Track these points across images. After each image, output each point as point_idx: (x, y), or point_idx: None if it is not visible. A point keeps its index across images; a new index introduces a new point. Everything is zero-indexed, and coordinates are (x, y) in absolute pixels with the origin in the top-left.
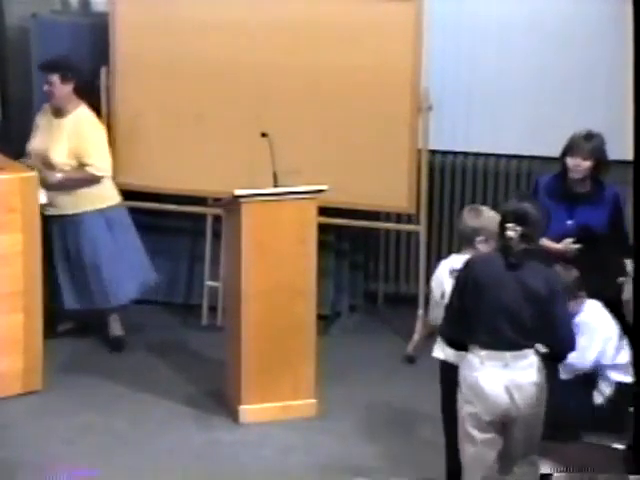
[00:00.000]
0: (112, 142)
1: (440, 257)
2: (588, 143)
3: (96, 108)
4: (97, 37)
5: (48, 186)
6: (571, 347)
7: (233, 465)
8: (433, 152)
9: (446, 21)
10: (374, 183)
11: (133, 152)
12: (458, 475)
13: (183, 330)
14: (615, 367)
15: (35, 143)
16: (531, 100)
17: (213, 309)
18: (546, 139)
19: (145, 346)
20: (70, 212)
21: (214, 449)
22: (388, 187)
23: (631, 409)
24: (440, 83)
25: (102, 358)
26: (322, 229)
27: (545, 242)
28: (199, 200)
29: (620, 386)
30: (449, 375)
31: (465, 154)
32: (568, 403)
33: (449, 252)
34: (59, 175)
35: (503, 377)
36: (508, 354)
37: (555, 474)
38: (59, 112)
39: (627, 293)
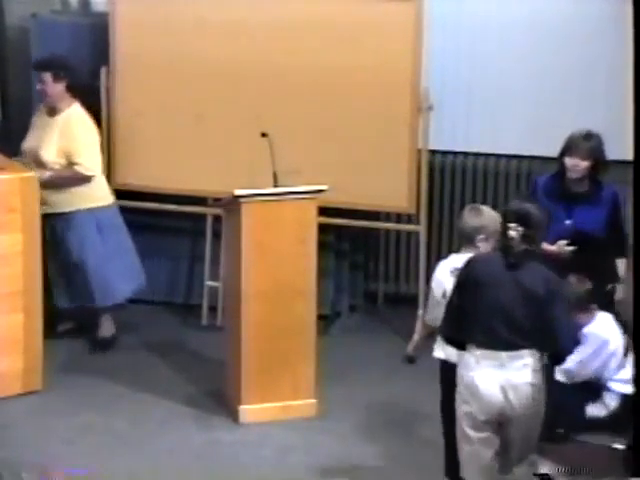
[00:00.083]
0: (112, 142)
1: (440, 257)
2: (586, 143)
3: (96, 108)
4: (97, 37)
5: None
6: (569, 350)
7: (233, 465)
8: (433, 152)
9: (446, 21)
10: (374, 183)
11: (133, 152)
12: (457, 474)
13: (183, 330)
14: (619, 380)
15: (28, 141)
16: (531, 100)
17: (213, 309)
18: (546, 139)
19: (145, 346)
20: (60, 210)
21: (214, 449)
22: (388, 187)
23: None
24: (440, 83)
25: (102, 358)
26: (322, 229)
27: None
28: (199, 200)
29: (625, 398)
30: (449, 375)
31: (465, 154)
32: (563, 406)
33: (449, 252)
34: (48, 173)
35: (498, 377)
36: (504, 354)
37: (555, 474)
38: (52, 111)
39: (621, 293)
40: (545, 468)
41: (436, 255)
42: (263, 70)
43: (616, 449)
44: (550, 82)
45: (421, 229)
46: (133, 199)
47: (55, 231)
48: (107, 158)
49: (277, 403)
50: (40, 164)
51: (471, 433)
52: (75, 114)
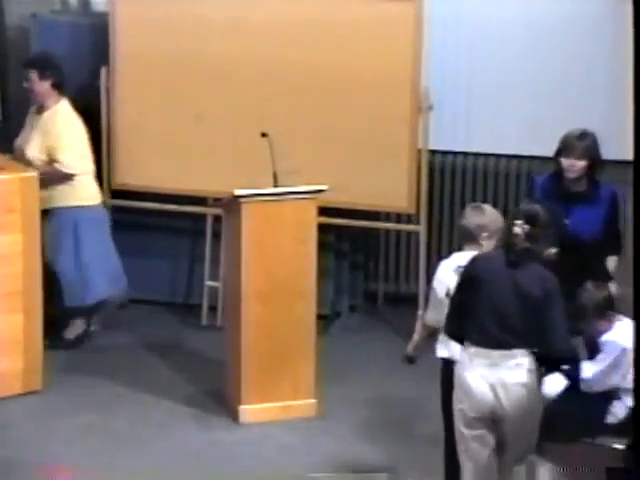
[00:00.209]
0: (112, 142)
1: (440, 257)
2: (581, 142)
3: (96, 108)
4: (97, 37)
5: None
6: (563, 353)
7: (233, 465)
8: (433, 152)
9: (446, 21)
10: (374, 183)
11: (133, 152)
12: (456, 474)
13: (183, 330)
14: (630, 391)
15: (18, 139)
16: (531, 100)
17: (213, 309)
18: (546, 139)
19: (145, 346)
20: (42, 207)
21: (214, 449)
22: (388, 187)
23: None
24: (440, 83)
25: (102, 358)
26: (322, 229)
27: None
28: (199, 200)
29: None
30: (449, 375)
31: (465, 154)
32: (582, 414)
33: (449, 252)
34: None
35: (489, 375)
36: (496, 353)
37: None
38: (40, 108)
39: (615, 288)
40: (545, 468)
41: (436, 255)
42: (263, 70)
43: (616, 449)
44: (550, 82)
45: (421, 229)
46: (133, 199)
47: None
48: (107, 158)
49: (277, 403)
50: (26, 161)
51: (465, 431)
52: (60, 111)
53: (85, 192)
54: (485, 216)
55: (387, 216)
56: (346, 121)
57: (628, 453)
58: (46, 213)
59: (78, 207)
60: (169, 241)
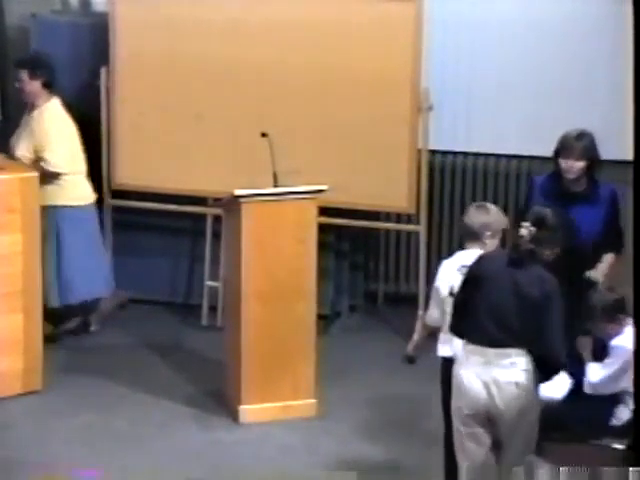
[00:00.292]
0: (112, 142)
1: (440, 257)
2: (579, 143)
3: (96, 108)
4: (97, 37)
5: None
6: (557, 358)
7: (233, 465)
8: (433, 152)
9: (446, 21)
10: (374, 183)
11: (133, 152)
12: (456, 472)
13: (183, 330)
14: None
15: (13, 138)
16: (531, 100)
17: (213, 309)
18: (546, 139)
19: (145, 346)
20: None
21: (214, 449)
22: (388, 187)
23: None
24: (440, 83)
25: (102, 358)
26: (322, 229)
27: None
28: (199, 200)
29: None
30: (450, 373)
31: (465, 154)
32: (583, 414)
33: (449, 252)
34: None
35: (483, 374)
36: (491, 351)
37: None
38: (31, 107)
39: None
40: (545, 468)
41: (436, 255)
42: (263, 70)
43: (616, 449)
44: (550, 82)
45: (421, 229)
46: (133, 199)
47: None
48: (107, 158)
49: (277, 403)
50: (16, 159)
51: (461, 428)
52: (48, 110)
53: (73, 192)
54: (489, 215)
55: (387, 216)
56: (346, 121)
57: (628, 453)
58: None
59: (65, 207)
60: (169, 241)
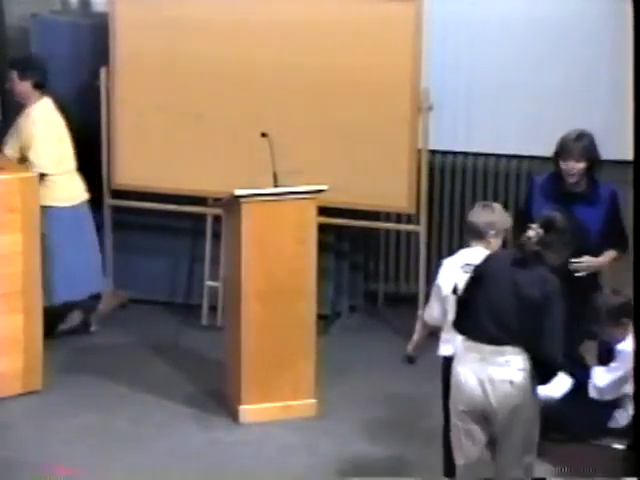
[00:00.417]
0: (112, 142)
1: (440, 257)
2: (578, 144)
3: (96, 108)
4: (97, 37)
5: None
6: (554, 359)
7: (233, 465)
8: (433, 152)
9: (446, 21)
10: (374, 183)
11: (133, 152)
12: (454, 470)
13: (183, 330)
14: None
15: (6, 137)
16: (531, 100)
17: (213, 309)
18: (546, 139)
19: (145, 346)
20: None
21: (214, 449)
22: (388, 187)
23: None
24: (440, 83)
25: (102, 358)
26: (322, 229)
27: None
28: (199, 200)
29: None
30: (450, 371)
31: (465, 154)
32: (583, 415)
33: (449, 252)
34: None
35: (479, 371)
36: (487, 348)
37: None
38: (22, 107)
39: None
40: (545, 468)
41: (436, 255)
42: (263, 70)
43: (616, 449)
44: (550, 82)
45: (421, 229)
46: (133, 199)
47: None
48: (107, 158)
49: (277, 403)
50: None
51: (459, 424)
52: (37, 111)
53: (59, 193)
54: (494, 214)
55: (387, 216)
56: (346, 121)
57: (628, 453)
58: None
59: (50, 207)
60: (169, 241)
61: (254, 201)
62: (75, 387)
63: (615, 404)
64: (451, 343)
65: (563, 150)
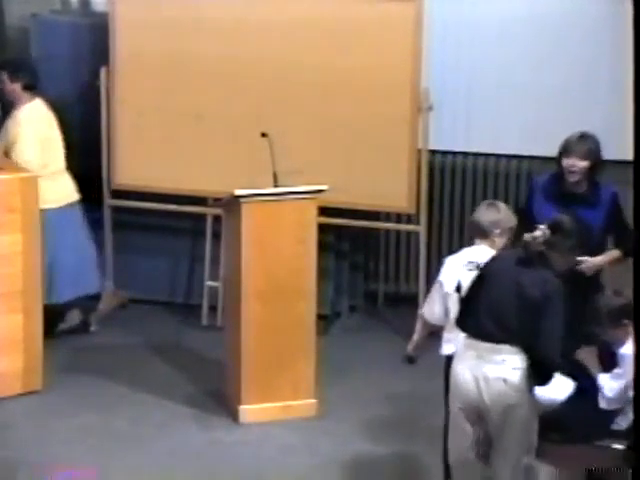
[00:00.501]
0: (112, 142)
1: (440, 257)
2: (583, 143)
3: (96, 108)
4: (97, 37)
5: None
6: (551, 360)
7: (233, 465)
8: (433, 152)
9: (446, 21)
10: (374, 183)
11: (133, 152)
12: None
13: (183, 330)
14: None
15: None
16: (531, 100)
17: (213, 309)
18: (546, 139)
19: (145, 346)
20: None
21: (214, 449)
22: (388, 187)
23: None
24: (440, 83)
25: (102, 358)
26: (322, 229)
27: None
28: (199, 200)
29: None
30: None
31: (465, 154)
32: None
33: (449, 252)
34: None
35: (475, 368)
36: (484, 345)
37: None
38: (14, 107)
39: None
40: (545, 468)
41: (436, 255)
42: (263, 70)
43: (616, 449)
44: (550, 82)
45: (421, 229)
46: (133, 199)
47: None
48: (107, 158)
49: (277, 403)
50: None
51: (452, 420)
52: (24, 112)
53: (44, 195)
54: (499, 213)
55: (387, 216)
56: (346, 121)
57: (628, 453)
58: None
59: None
60: (169, 241)
61: (254, 201)
62: (75, 387)
63: (619, 408)
64: (453, 342)
65: (567, 148)
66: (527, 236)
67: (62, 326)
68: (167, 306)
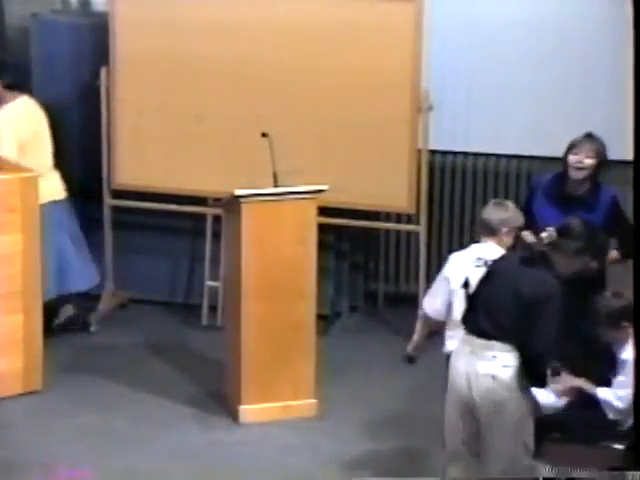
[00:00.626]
0: (112, 142)
1: (440, 257)
2: (592, 142)
3: (96, 108)
4: (97, 37)
5: None
6: (542, 360)
7: (233, 465)
8: (433, 152)
9: (446, 21)
10: (374, 183)
11: (133, 152)
12: None
13: (183, 330)
14: None
15: None
16: (531, 100)
17: (213, 309)
18: (546, 139)
19: (145, 346)
20: None
21: (214, 449)
22: (388, 187)
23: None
24: (440, 83)
25: (102, 358)
26: (322, 229)
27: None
28: (199, 200)
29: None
30: None
31: (465, 154)
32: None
33: (449, 252)
34: None
35: (468, 363)
36: (477, 341)
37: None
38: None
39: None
40: (544, 468)
41: (436, 255)
42: (263, 70)
43: (616, 449)
44: (550, 82)
45: (421, 229)
46: (133, 199)
47: None
48: (107, 158)
49: (277, 403)
50: None
51: (447, 412)
52: (8, 109)
53: None
54: (507, 212)
55: (387, 216)
56: (346, 121)
57: (628, 453)
58: None
59: None
60: (169, 241)
61: (254, 201)
62: (75, 387)
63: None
64: (455, 339)
65: (575, 145)
66: (524, 234)
67: (57, 321)
68: (167, 306)
